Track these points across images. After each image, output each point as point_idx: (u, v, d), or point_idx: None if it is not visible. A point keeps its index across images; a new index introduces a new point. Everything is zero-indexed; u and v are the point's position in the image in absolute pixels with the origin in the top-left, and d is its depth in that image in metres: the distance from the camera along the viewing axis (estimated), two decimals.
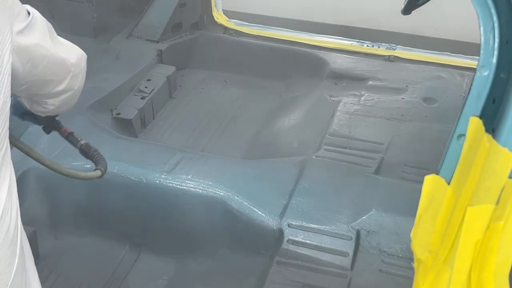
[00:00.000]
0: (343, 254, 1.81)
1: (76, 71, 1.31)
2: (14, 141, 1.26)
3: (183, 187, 1.98)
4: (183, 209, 1.99)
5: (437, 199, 1.00)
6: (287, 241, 1.84)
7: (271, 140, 2.56)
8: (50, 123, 1.47)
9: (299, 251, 1.82)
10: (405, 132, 2.49)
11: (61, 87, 1.25)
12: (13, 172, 0.97)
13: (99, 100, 2.49)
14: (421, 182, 1.03)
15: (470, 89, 0.95)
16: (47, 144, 2.08)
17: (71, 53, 1.29)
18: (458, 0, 2.89)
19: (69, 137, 1.48)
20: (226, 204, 1.94)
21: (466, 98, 0.96)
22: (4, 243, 0.90)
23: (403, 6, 1.80)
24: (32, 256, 1.08)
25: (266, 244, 1.89)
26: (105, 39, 3.05)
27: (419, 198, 1.03)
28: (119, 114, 2.52)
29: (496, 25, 0.91)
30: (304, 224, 1.87)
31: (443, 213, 0.99)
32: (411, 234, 1.05)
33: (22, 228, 0.99)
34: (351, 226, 1.86)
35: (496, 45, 0.91)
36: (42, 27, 1.11)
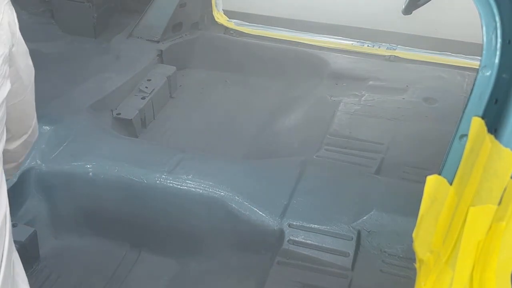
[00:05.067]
0: (344, 254, 1.81)
1: (30, 139, 1.23)
2: None
3: (183, 187, 1.98)
4: (184, 209, 1.99)
5: (439, 199, 1.00)
6: (288, 241, 1.84)
7: (271, 140, 2.56)
8: None
9: (299, 251, 1.82)
10: (405, 132, 2.49)
11: (13, 145, 1.18)
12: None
13: (99, 100, 2.48)
14: (422, 182, 1.03)
15: (472, 89, 0.95)
16: (46, 144, 2.08)
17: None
18: (459, 0, 2.89)
19: None
20: (226, 204, 1.93)
21: (468, 98, 0.95)
22: None
23: (404, 6, 1.80)
24: (20, 262, 1.08)
25: (266, 244, 1.89)
26: (105, 39, 3.05)
27: (420, 198, 1.03)
28: (119, 114, 2.52)
29: (498, 25, 0.91)
30: (304, 224, 1.87)
31: (445, 213, 0.99)
32: (413, 235, 1.05)
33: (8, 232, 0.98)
34: (351, 226, 1.85)
35: (499, 45, 0.91)
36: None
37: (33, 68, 1.13)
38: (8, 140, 1.11)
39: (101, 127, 2.32)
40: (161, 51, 2.95)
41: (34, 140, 1.27)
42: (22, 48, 1.05)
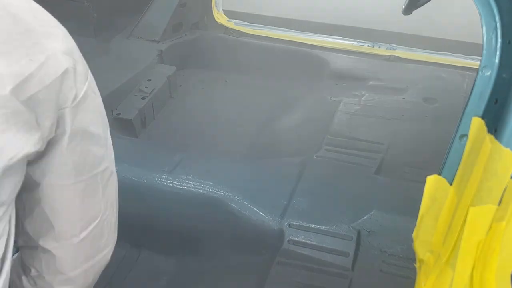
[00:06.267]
0: (344, 254, 1.81)
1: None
2: None
3: (183, 187, 1.98)
4: (184, 209, 1.99)
5: (439, 199, 1.00)
6: (288, 241, 1.84)
7: (271, 140, 2.56)
8: None
9: (300, 251, 1.82)
10: (405, 132, 2.49)
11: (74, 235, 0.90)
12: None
13: None
14: (422, 182, 1.03)
15: (472, 89, 0.95)
16: None
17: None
18: (459, 0, 2.89)
19: None
20: (226, 204, 1.93)
21: (468, 98, 0.95)
22: None
23: (404, 6, 1.80)
24: None
25: (266, 244, 1.89)
26: (105, 39, 3.05)
27: (420, 198, 1.03)
28: (119, 114, 2.52)
29: (498, 25, 0.90)
30: (305, 224, 1.87)
31: (445, 213, 0.99)
32: (413, 235, 1.05)
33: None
34: (351, 226, 1.85)
35: (499, 45, 0.91)
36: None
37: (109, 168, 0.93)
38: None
39: None
40: (161, 51, 2.95)
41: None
42: (81, 121, 0.83)
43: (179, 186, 1.98)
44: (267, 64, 3.05)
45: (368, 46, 3.08)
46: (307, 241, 1.83)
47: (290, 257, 1.81)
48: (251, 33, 3.20)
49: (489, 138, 0.90)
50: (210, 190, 1.96)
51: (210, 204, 1.95)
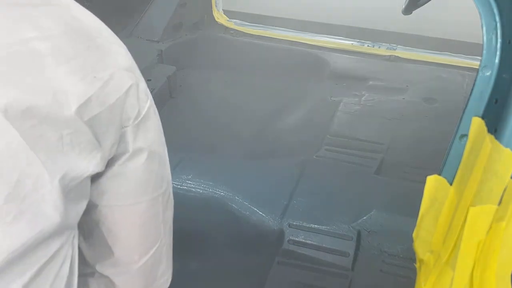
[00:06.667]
0: (344, 254, 1.81)
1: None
2: None
3: (183, 187, 1.98)
4: (184, 209, 1.98)
5: (439, 199, 1.00)
6: (288, 241, 1.84)
7: (271, 140, 2.56)
8: None
9: (299, 251, 1.82)
10: (405, 132, 2.49)
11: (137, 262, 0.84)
12: None
13: None
14: (422, 182, 1.03)
15: (472, 89, 0.95)
16: None
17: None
18: (459, 0, 2.89)
19: None
20: (226, 204, 1.93)
21: (468, 99, 0.95)
22: None
23: (404, 6, 1.80)
24: None
25: (266, 244, 1.89)
26: None
27: (420, 198, 1.03)
28: None
29: (498, 25, 0.90)
30: (304, 224, 1.87)
31: (445, 213, 0.99)
32: (413, 235, 1.05)
33: None
34: (351, 226, 1.85)
35: (499, 45, 0.91)
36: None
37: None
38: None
39: None
40: (161, 51, 2.95)
41: None
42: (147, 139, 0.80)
43: (179, 186, 1.98)
44: (267, 64, 3.05)
45: (368, 46, 3.08)
46: (307, 241, 1.83)
47: (290, 257, 1.81)
48: (251, 33, 3.20)
49: (489, 138, 0.90)
50: (210, 190, 1.96)
51: (210, 204, 1.95)
